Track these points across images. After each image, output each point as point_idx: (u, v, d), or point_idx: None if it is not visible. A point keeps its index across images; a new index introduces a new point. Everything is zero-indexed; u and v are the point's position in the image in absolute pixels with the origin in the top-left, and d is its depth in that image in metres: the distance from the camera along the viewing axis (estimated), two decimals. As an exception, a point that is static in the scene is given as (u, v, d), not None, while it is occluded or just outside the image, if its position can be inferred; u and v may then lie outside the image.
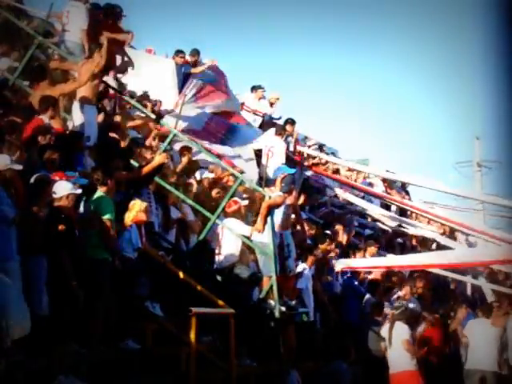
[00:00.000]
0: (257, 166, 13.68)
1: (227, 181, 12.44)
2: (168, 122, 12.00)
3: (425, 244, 17.26)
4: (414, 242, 17.55)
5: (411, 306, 12.43)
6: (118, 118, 11.55)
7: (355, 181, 17.60)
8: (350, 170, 18.31)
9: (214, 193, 11.69)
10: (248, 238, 10.28)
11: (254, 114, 15.63)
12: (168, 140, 11.12)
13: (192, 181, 11.69)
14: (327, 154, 18.53)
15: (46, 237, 6.92)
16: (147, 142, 11.73)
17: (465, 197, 16.73)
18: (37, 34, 11.16)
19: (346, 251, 13.55)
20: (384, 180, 17.87)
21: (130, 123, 12.16)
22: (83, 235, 7.76)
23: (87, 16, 11.46)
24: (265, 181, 12.59)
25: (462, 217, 16.23)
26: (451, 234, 17.13)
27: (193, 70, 14.04)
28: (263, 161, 13.52)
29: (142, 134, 12.17)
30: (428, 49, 79.33)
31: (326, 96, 69.96)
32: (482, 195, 20.74)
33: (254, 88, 15.90)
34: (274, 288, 9.80)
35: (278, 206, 10.25)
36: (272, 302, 9.80)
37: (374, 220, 17.19)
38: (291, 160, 14.09)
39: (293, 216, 11.24)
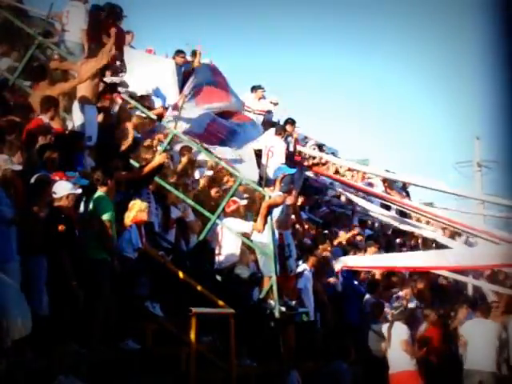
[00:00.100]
0: (257, 166, 13.68)
1: (227, 181, 12.44)
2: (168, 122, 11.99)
3: (425, 244, 17.27)
4: (413, 242, 17.57)
5: (411, 305, 12.44)
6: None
7: (355, 181, 17.60)
8: (349, 169, 18.32)
9: (213, 192, 11.69)
10: (248, 236, 10.28)
11: (254, 114, 15.61)
12: (168, 140, 11.12)
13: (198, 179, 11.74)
14: (327, 154, 18.53)
15: (46, 237, 6.92)
16: (146, 143, 11.72)
17: (465, 197, 16.72)
18: (37, 34, 11.15)
19: (347, 251, 13.56)
20: (384, 180, 17.86)
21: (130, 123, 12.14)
22: (83, 235, 7.77)
23: (87, 16, 11.46)
24: (265, 181, 12.59)
25: (461, 216, 16.17)
26: (451, 234, 17.12)
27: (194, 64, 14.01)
28: (263, 161, 13.52)
29: (142, 133, 12.16)
30: (428, 49, 79.37)
31: (326, 96, 70.13)
32: (482, 195, 20.73)
33: (254, 88, 15.90)
34: (274, 288, 9.80)
35: (277, 205, 10.26)
36: (272, 302, 9.81)
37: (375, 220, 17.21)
38: (291, 160, 14.09)
39: (293, 216, 11.25)
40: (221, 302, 8.91)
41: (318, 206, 16.33)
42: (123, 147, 10.25)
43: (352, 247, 14.02)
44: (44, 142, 8.35)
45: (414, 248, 17.08)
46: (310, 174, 16.30)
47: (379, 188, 17.76)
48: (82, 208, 8.14)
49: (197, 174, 12.52)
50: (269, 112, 15.90)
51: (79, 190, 7.59)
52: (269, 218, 10.09)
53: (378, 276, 13.37)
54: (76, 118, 9.80)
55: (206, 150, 12.18)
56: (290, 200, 10.67)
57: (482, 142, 29.70)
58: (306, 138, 18.96)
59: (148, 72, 13.19)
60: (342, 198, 17.33)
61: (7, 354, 2.56)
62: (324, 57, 77.42)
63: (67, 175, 7.71)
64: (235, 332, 8.71)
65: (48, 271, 6.94)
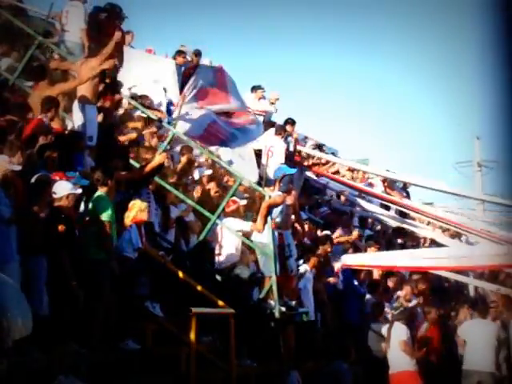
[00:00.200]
0: (257, 166, 13.68)
1: (227, 180, 12.44)
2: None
3: (425, 244, 17.26)
4: (414, 242, 17.55)
5: (411, 305, 12.43)
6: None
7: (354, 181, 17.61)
8: (349, 169, 18.32)
9: (213, 192, 11.69)
10: (248, 236, 10.29)
11: (254, 114, 15.59)
12: (168, 140, 11.12)
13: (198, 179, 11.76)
14: (327, 154, 18.52)
15: (46, 237, 6.93)
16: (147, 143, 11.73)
17: (465, 197, 16.72)
18: (37, 34, 11.16)
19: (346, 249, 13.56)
20: (384, 180, 17.86)
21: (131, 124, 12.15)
22: (83, 235, 7.76)
23: (86, 15, 11.46)
24: (265, 181, 12.59)
25: (461, 216, 16.19)
26: (451, 234, 17.12)
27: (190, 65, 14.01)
28: (263, 161, 13.52)
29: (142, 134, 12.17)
30: (428, 49, 79.36)
31: (326, 96, 70.14)
32: (482, 195, 20.74)
33: (254, 88, 15.89)
34: (274, 288, 9.80)
35: (277, 205, 10.26)
36: (272, 302, 9.81)
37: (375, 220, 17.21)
38: (291, 160, 14.08)
39: (292, 216, 11.25)
40: (221, 302, 8.91)
41: (318, 206, 16.31)
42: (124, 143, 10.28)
43: (352, 247, 14.01)
44: (44, 142, 8.35)
45: (415, 248, 17.05)
46: (309, 173, 16.30)
47: (379, 188, 17.76)
48: (82, 208, 8.15)
49: (196, 174, 12.52)
50: (268, 112, 15.88)
51: (79, 190, 7.59)
52: (269, 217, 10.09)
53: (377, 277, 13.36)
54: (76, 118, 9.80)
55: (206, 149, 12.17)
56: (289, 200, 10.67)
57: (481, 142, 29.69)
58: (306, 137, 18.96)
59: (148, 72, 13.19)
60: (342, 198, 17.32)
61: (8, 354, 2.55)
62: (324, 57, 77.51)
63: (67, 175, 7.72)
64: (235, 332, 8.70)
65: (48, 271, 6.94)
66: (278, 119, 15.81)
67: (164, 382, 8.26)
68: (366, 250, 13.83)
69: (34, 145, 8.14)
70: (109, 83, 10.41)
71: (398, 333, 10.52)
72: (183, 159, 11.89)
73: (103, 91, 10.29)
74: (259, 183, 12.29)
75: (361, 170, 18.07)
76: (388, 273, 13.33)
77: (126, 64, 11.37)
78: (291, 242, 10.57)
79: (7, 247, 6.45)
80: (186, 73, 13.75)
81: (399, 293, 13.03)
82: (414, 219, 17.23)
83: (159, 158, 9.75)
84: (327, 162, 17.73)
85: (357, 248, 14.02)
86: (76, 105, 9.81)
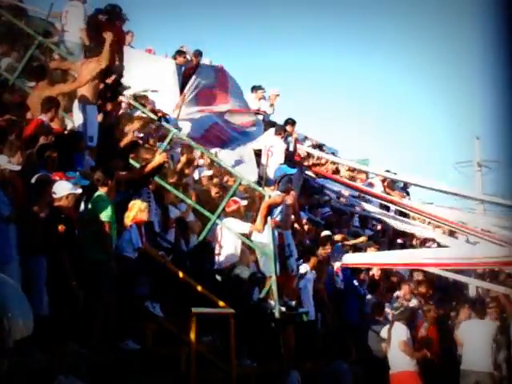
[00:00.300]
0: (256, 166, 13.68)
1: (227, 180, 12.44)
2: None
3: (425, 244, 17.26)
4: (414, 242, 17.55)
5: (411, 304, 12.43)
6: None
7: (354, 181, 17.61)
8: (349, 170, 18.32)
9: (213, 193, 11.70)
10: (248, 236, 10.28)
11: (255, 113, 15.61)
12: (167, 140, 11.12)
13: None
14: (327, 154, 18.52)
15: (46, 237, 6.92)
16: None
17: (465, 197, 16.72)
18: (37, 34, 11.16)
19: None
20: (383, 180, 17.86)
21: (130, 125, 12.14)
22: (82, 235, 7.76)
23: (86, 15, 11.47)
24: (265, 181, 12.59)
25: (462, 216, 16.17)
26: (451, 234, 17.12)
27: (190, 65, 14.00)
28: (263, 160, 13.52)
29: (144, 133, 12.17)
30: (428, 49, 79.35)
31: (326, 96, 70.10)
32: (482, 195, 20.73)
33: (255, 88, 15.89)
34: (274, 288, 9.81)
35: (277, 205, 10.27)
36: (272, 302, 9.81)
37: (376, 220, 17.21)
38: (291, 160, 14.08)
39: (292, 216, 11.25)
40: (221, 302, 8.91)
41: (319, 206, 16.30)
42: (122, 146, 10.27)
43: (352, 248, 14.01)
44: (44, 142, 8.35)
45: (415, 248, 17.05)
46: (309, 173, 16.29)
47: (379, 188, 17.76)
48: (82, 208, 8.15)
49: (196, 174, 12.53)
50: (266, 113, 15.88)
51: (79, 190, 7.59)
52: (269, 217, 10.10)
53: (377, 277, 13.37)
54: (77, 119, 9.80)
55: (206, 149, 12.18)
56: (289, 200, 10.67)
57: (481, 142, 29.67)
58: (306, 137, 18.96)
59: (148, 72, 13.19)
60: (342, 199, 17.32)
61: (9, 354, 2.55)
62: (324, 57, 77.47)
63: (67, 175, 7.72)
64: (235, 332, 8.70)
65: (48, 271, 6.93)
66: (278, 119, 15.84)
67: (164, 382, 8.26)
68: (365, 250, 13.83)
69: (34, 145, 8.14)
70: (109, 84, 10.42)
71: (399, 333, 10.52)
72: (183, 159, 11.90)
73: (104, 92, 10.29)
74: (259, 183, 12.29)
75: (361, 171, 18.07)
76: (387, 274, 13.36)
77: (126, 64, 11.38)
78: (291, 242, 10.57)
79: (7, 247, 6.45)
80: (187, 73, 13.77)
81: (399, 293, 13.04)
82: (413, 219, 17.24)
83: (159, 158, 9.74)
84: (327, 162, 17.74)
85: (356, 248, 14.02)
86: (76, 105, 9.81)
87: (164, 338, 8.43)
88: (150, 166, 9.59)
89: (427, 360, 11.12)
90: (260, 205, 10.65)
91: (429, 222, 16.91)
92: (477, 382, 10.93)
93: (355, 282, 12.67)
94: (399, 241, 17.35)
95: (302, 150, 17.05)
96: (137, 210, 8.52)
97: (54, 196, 7.33)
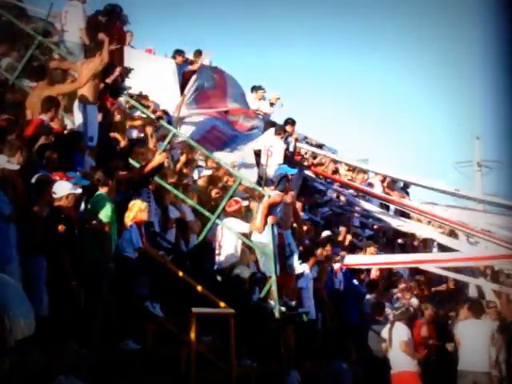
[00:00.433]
0: (256, 166, 13.69)
1: (227, 180, 12.44)
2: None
3: (425, 244, 17.26)
4: (414, 242, 17.55)
5: (412, 305, 12.42)
6: (117, 118, 11.57)
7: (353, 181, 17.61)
8: (349, 170, 18.32)
9: (213, 193, 11.70)
10: (247, 236, 10.28)
11: (255, 113, 15.60)
12: (167, 140, 11.11)
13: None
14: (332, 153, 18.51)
15: (46, 237, 6.92)
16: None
17: (465, 197, 16.71)
18: (37, 34, 11.16)
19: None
20: (383, 180, 17.86)
21: (130, 123, 12.16)
22: (82, 235, 7.76)
23: (85, 15, 11.47)
24: (264, 180, 12.59)
25: (462, 216, 16.16)
26: (451, 234, 17.12)
27: (191, 67, 14.00)
28: (262, 160, 13.52)
29: (143, 133, 12.17)
30: (428, 49, 79.33)
31: (326, 96, 70.08)
32: (482, 195, 20.72)
33: (255, 88, 15.88)
34: (274, 288, 9.81)
35: (277, 204, 10.28)
36: (272, 302, 9.81)
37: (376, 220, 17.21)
38: (291, 160, 14.08)
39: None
40: (221, 303, 8.91)
41: (319, 206, 16.31)
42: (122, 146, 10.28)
43: (351, 247, 14.03)
44: (44, 141, 8.35)
45: (415, 248, 17.06)
46: (309, 173, 16.29)
47: (378, 188, 17.76)
48: (82, 208, 8.14)
49: (196, 174, 12.53)
50: (266, 114, 15.88)
51: (79, 190, 7.59)
52: (269, 217, 10.10)
53: (375, 277, 13.38)
54: (77, 118, 9.80)
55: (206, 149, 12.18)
56: (288, 199, 10.68)
57: (481, 141, 29.66)
58: (306, 138, 18.96)
59: (148, 72, 13.19)
60: (342, 198, 17.32)
61: (10, 353, 2.55)
62: (324, 57, 77.47)
63: (67, 175, 7.71)
64: (235, 332, 8.70)
65: (48, 271, 6.93)
66: (278, 119, 15.84)
67: (164, 382, 8.26)
68: (365, 250, 13.84)
69: (34, 145, 8.14)
70: (109, 84, 10.42)
71: (400, 333, 10.50)
72: (182, 158, 11.91)
73: (103, 91, 10.30)
74: (258, 183, 12.29)
75: (361, 171, 18.07)
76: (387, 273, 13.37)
77: (126, 64, 11.39)
78: (292, 242, 10.57)
79: (8, 247, 6.44)
80: (186, 74, 13.78)
81: (398, 294, 13.05)
82: (413, 219, 17.23)
83: (159, 158, 9.74)
84: (327, 162, 17.74)
85: (356, 247, 14.05)
86: (76, 105, 9.81)
87: (164, 338, 8.43)
88: (149, 166, 9.59)
89: (427, 360, 11.12)
90: (260, 205, 10.66)
91: (429, 222, 16.91)
92: (474, 382, 10.91)
93: (355, 282, 12.68)
94: (399, 241, 17.35)
95: (304, 148, 17.04)
96: (137, 209, 8.52)
97: (54, 196, 7.33)
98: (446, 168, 69.53)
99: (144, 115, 11.84)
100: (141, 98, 12.64)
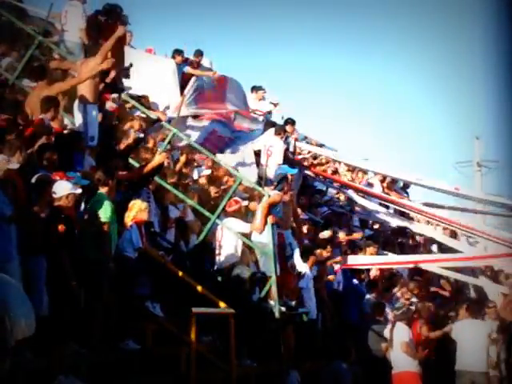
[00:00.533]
0: (256, 166, 13.68)
1: (227, 180, 12.45)
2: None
3: (425, 244, 17.26)
4: (414, 242, 17.54)
5: (413, 304, 12.42)
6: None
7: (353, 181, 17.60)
8: (349, 170, 18.30)
9: (213, 193, 11.70)
10: (248, 236, 10.28)
11: (254, 114, 15.60)
12: (168, 140, 11.11)
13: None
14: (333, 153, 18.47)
15: (46, 237, 6.92)
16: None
17: (465, 197, 16.71)
18: (37, 34, 11.15)
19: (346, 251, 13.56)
20: (382, 180, 17.84)
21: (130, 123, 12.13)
22: (82, 235, 7.76)
23: (85, 15, 11.47)
24: (264, 180, 12.59)
25: (462, 217, 16.18)
26: (451, 234, 17.11)
27: (192, 71, 14.00)
28: (262, 160, 13.52)
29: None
30: (428, 49, 79.37)
31: (326, 96, 70.11)
32: (482, 195, 20.71)
33: (255, 88, 15.87)
34: (274, 288, 9.80)
35: (276, 204, 10.29)
36: (272, 302, 9.80)
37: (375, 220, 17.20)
38: (291, 160, 14.08)
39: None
40: (221, 303, 8.91)
41: (318, 206, 16.30)
42: (122, 146, 10.27)
43: (351, 247, 14.01)
44: (44, 141, 8.34)
45: (415, 248, 17.05)
46: (309, 173, 16.29)
47: (378, 188, 17.74)
48: (82, 208, 8.14)
49: (195, 174, 12.53)
50: (269, 113, 15.89)
51: (79, 190, 7.59)
52: (269, 217, 10.10)
53: (377, 276, 13.37)
54: (77, 118, 9.79)
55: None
56: (287, 198, 10.69)
57: (481, 141, 29.68)
58: (306, 138, 18.94)
59: (148, 72, 13.19)
60: (342, 198, 17.31)
61: (11, 353, 2.55)
62: (324, 57, 77.50)
63: (67, 175, 7.71)
64: (235, 332, 8.70)
65: (48, 271, 6.93)
66: (278, 119, 15.82)
67: (164, 382, 8.26)
68: (365, 250, 13.83)
69: (34, 145, 8.13)
70: (109, 83, 10.41)
71: (401, 334, 10.50)
72: (182, 158, 11.91)
73: (103, 91, 10.29)
74: (258, 183, 12.29)
75: (361, 170, 18.05)
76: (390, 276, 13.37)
77: (126, 64, 11.39)
78: (292, 241, 10.58)
79: (8, 247, 6.44)
80: (186, 76, 13.79)
81: (398, 294, 13.03)
82: (413, 219, 17.22)
83: (159, 158, 9.74)
84: (327, 163, 17.72)
85: (356, 246, 14.03)
86: (77, 105, 9.80)
87: (164, 338, 8.43)
88: (149, 166, 9.58)
89: (427, 360, 11.12)
90: (260, 205, 10.65)
91: (428, 222, 16.90)
92: (472, 382, 10.91)
93: (355, 282, 12.67)
94: (399, 241, 17.32)
95: (304, 147, 17.03)
96: (137, 209, 8.52)
97: (54, 196, 7.33)
98: (446, 168, 69.61)
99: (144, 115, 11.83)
100: (141, 97, 12.63)
